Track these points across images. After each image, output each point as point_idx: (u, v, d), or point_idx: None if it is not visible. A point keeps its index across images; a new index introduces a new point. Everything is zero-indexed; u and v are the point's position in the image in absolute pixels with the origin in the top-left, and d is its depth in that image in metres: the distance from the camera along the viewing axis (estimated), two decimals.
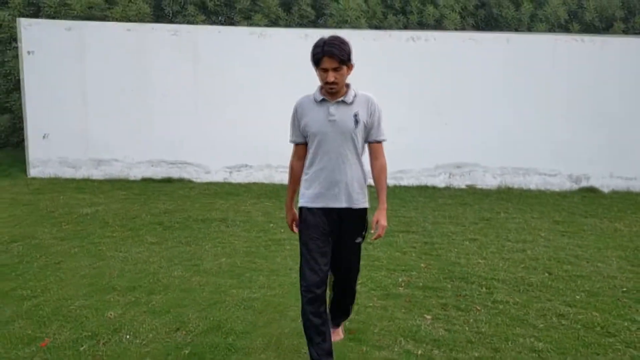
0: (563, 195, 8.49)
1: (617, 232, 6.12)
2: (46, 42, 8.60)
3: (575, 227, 6.29)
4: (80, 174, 8.90)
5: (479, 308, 3.76)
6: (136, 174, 8.92)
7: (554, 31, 9.18)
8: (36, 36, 8.60)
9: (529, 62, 8.60)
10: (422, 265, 4.69)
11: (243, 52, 8.54)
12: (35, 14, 9.42)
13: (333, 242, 2.80)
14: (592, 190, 8.85)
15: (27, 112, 8.77)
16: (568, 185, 8.99)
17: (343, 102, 2.72)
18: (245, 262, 4.68)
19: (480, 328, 3.43)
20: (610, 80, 8.65)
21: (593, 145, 8.80)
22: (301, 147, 2.85)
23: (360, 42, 8.09)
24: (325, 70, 2.62)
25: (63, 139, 8.81)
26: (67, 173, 8.90)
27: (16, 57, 9.28)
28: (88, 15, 9.16)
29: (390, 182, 8.67)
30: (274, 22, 9.33)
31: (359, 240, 2.84)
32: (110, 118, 8.69)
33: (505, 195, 8.35)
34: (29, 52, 8.63)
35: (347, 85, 2.76)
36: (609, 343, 3.27)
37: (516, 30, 9.28)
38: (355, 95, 2.75)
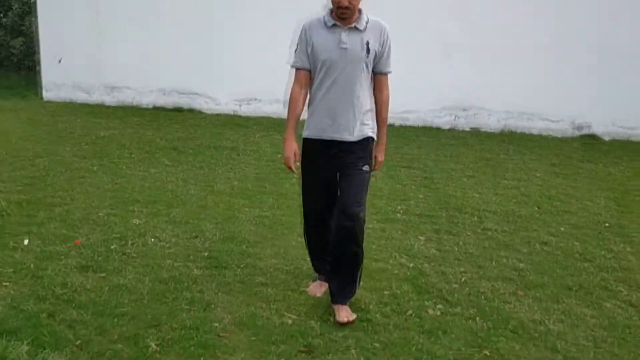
0: (564, 140, 8.72)
1: (610, 176, 6.41)
2: None
3: (571, 170, 6.58)
4: (93, 99, 9.14)
5: (469, 233, 4.11)
6: (148, 102, 9.15)
7: None
8: None
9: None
10: (420, 196, 5.02)
11: None
12: None
13: (340, 174, 2.72)
14: (593, 137, 9.07)
15: (41, 36, 8.91)
16: (570, 132, 9.19)
17: (356, 28, 2.57)
18: (255, 186, 5.01)
19: (468, 249, 3.78)
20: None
21: (596, 93, 8.93)
22: (305, 73, 2.68)
23: None
24: None
25: (76, 63, 8.99)
26: (80, 98, 9.15)
27: None
28: None
29: (396, 122, 8.89)
30: None
31: (365, 167, 2.72)
32: (123, 44, 8.82)
33: (508, 138, 8.59)
34: None
35: (360, 10, 2.60)
36: (584, 267, 3.62)
37: None
38: (367, 22, 2.60)
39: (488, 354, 2.50)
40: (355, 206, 2.67)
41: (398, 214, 4.44)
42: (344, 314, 2.65)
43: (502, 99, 9.01)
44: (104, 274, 3.03)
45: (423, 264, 3.47)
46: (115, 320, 2.57)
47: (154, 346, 2.38)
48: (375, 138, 2.76)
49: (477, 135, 8.72)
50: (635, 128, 9.12)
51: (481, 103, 9.12)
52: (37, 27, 8.81)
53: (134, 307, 2.70)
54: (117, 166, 5.32)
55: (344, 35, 2.56)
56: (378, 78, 2.72)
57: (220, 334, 2.51)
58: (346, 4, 2.46)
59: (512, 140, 8.34)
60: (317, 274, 3.03)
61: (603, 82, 8.85)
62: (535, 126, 9.18)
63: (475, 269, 3.45)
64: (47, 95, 9.09)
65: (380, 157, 2.78)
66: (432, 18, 8.49)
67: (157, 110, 8.89)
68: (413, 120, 9.15)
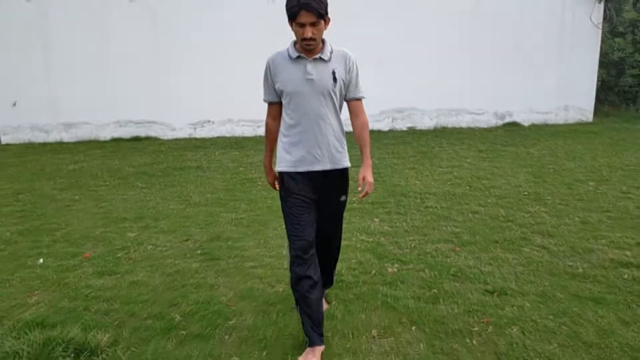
0: (489, 130, 9.80)
1: (529, 155, 7.44)
2: (6, 12, 8.97)
3: (495, 154, 7.57)
4: (51, 137, 9.48)
5: (414, 212, 4.92)
6: (105, 134, 9.58)
7: None
8: None
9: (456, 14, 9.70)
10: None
11: (201, 17, 9.20)
12: None
13: (318, 205, 2.74)
14: (514, 125, 10.21)
15: None
16: (494, 122, 10.30)
17: (320, 59, 2.58)
18: (227, 195, 5.65)
19: (415, 223, 4.58)
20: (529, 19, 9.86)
21: (515, 86, 10.10)
22: (275, 107, 2.73)
23: None
24: (302, 26, 2.45)
25: (32, 105, 9.32)
26: (40, 137, 9.47)
27: None
28: None
29: None
30: None
31: (343, 198, 2.78)
32: (76, 82, 9.24)
33: (440, 133, 9.58)
34: None
35: (323, 41, 2.60)
36: (507, 226, 4.49)
37: None
38: (332, 52, 2.61)
39: (436, 291, 3.27)
40: (337, 244, 3.00)
41: (354, 204, 5.20)
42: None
43: (433, 99, 10.04)
44: (118, 275, 3.62)
45: (380, 238, 4.23)
46: (140, 305, 3.18)
47: (178, 317, 3.01)
48: (349, 165, 2.76)
49: (413, 133, 9.67)
50: (549, 112, 10.34)
51: (414, 105, 10.10)
52: None
53: (153, 295, 3.31)
54: (97, 193, 5.83)
55: (310, 67, 2.56)
56: (352, 104, 2.72)
57: (228, 304, 3.17)
58: (310, 34, 2.45)
59: (444, 135, 9.34)
60: (306, 339, 2.67)
61: (518, 77, 10.03)
62: (464, 120, 10.25)
63: (421, 236, 4.25)
64: (4, 138, 9.36)
65: (370, 178, 2.68)
66: (367, 30, 9.39)
67: (117, 141, 9.34)
68: None
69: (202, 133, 9.71)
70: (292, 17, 2.45)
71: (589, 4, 9.95)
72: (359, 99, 2.72)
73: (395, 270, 3.62)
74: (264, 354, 2.65)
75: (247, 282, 3.47)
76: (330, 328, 2.87)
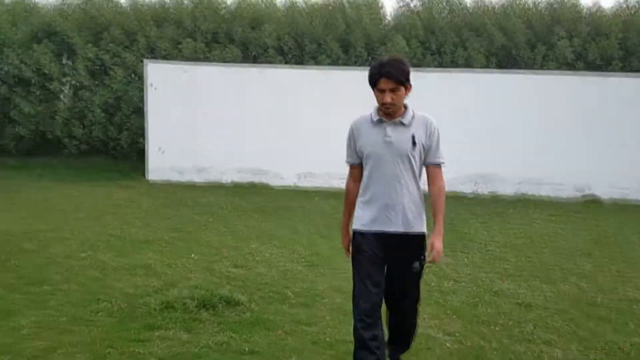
0: (568, 201, 10.52)
1: (595, 224, 8.17)
2: (165, 78, 11.37)
3: (565, 218, 8.38)
4: (185, 178, 11.55)
5: (475, 253, 6.00)
6: (227, 179, 11.50)
7: (562, 69, 11.28)
8: (158, 72, 11.41)
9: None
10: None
11: (312, 88, 11.04)
12: (152, 56, 12.23)
13: (388, 268, 2.76)
14: (594, 200, 10.82)
15: (149, 131, 11.52)
16: (573, 194, 10.99)
17: (401, 122, 2.68)
18: (324, 228, 7.03)
19: (474, 259, 5.67)
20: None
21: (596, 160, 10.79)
22: (357, 169, 2.81)
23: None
24: (382, 91, 2.59)
25: (173, 152, 11.49)
26: (175, 177, 11.57)
27: (136, 88, 12.10)
28: (194, 57, 11.91)
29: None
30: (334, 62, 11.82)
31: (416, 265, 2.70)
32: (211, 136, 11.32)
33: (521, 201, 10.47)
34: (151, 85, 11.42)
35: (405, 106, 2.72)
36: (552, 269, 5.43)
37: (531, 68, 11.44)
38: (413, 117, 2.70)
39: (477, 300, 4.37)
40: (412, 314, 2.91)
41: None
42: None
43: (514, 170, 10.97)
44: (247, 268, 5.09)
45: (442, 266, 5.38)
46: (264, 285, 4.59)
47: (290, 294, 4.38)
48: (425, 232, 2.78)
49: (494, 199, 10.63)
50: (629, 188, 10.86)
51: (497, 172, 11.09)
52: (146, 124, 11.40)
53: (272, 281, 4.72)
54: (225, 219, 7.48)
55: (389, 130, 2.67)
56: (430, 169, 2.75)
57: (323, 292, 4.49)
58: (389, 100, 2.58)
59: (523, 202, 10.21)
60: None
61: (603, 150, 10.72)
62: (543, 189, 11.03)
63: (477, 268, 5.35)
64: (150, 177, 11.56)
65: (438, 246, 2.66)
66: (449, 100, 10.70)
67: (236, 185, 11.19)
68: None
69: (305, 183, 11.31)
70: (373, 83, 2.63)
71: None
72: (438, 165, 2.76)
73: (450, 285, 4.77)
74: (345, 318, 3.94)
75: (337, 281, 4.78)
76: None
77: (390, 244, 2.70)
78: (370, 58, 11.97)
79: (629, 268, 5.59)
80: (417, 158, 2.69)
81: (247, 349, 3.33)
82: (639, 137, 10.70)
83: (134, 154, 12.91)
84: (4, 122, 12.88)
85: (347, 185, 2.89)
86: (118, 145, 12.73)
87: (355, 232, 2.78)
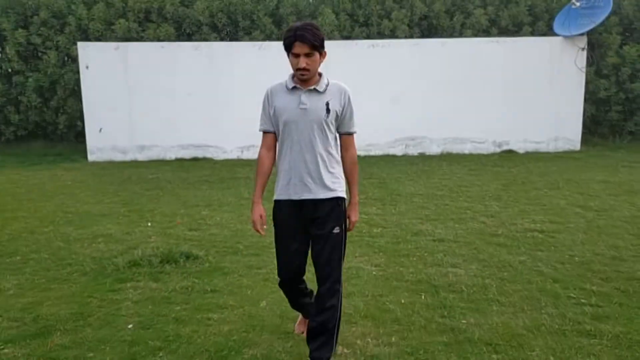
0: (487, 156, 11.62)
1: (509, 173, 9.24)
2: (99, 60, 11.48)
3: (482, 171, 9.41)
4: (128, 157, 11.81)
5: (401, 204, 6.84)
6: (171, 155, 11.86)
7: (479, 35, 12.26)
8: (91, 55, 11.49)
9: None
10: (375, 190, 7.76)
11: (247, 61, 11.49)
12: (85, 38, 12.23)
13: (311, 234, 2.75)
14: (510, 152, 11.99)
15: (85, 112, 11.64)
16: (492, 149, 12.12)
17: (315, 90, 2.68)
18: (268, 194, 7.67)
19: (399, 209, 6.51)
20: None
21: (513, 119, 11.94)
22: (270, 136, 2.79)
23: (335, 50, 11.14)
24: (297, 56, 2.59)
25: (113, 131, 11.70)
26: (118, 157, 11.81)
27: (71, 71, 12.11)
28: (127, 37, 12.03)
29: (361, 153, 11.70)
30: (268, 37, 12.27)
31: (336, 230, 2.71)
32: (150, 114, 11.60)
33: (445, 157, 11.47)
34: (86, 67, 11.51)
35: (320, 74, 2.73)
36: (465, 212, 6.34)
37: (450, 36, 12.35)
38: (327, 85, 2.72)
39: (401, 240, 5.18)
40: (336, 281, 2.74)
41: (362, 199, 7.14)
42: None
43: (440, 131, 11.96)
44: (201, 231, 5.67)
45: (372, 216, 6.17)
46: (218, 242, 5.20)
47: (241, 247, 5.02)
48: (344, 195, 2.77)
49: (422, 157, 11.59)
50: (541, 142, 12.10)
51: (424, 134, 12.05)
52: (83, 106, 11.50)
53: (225, 238, 5.33)
54: (174, 191, 7.97)
55: (304, 97, 2.67)
56: (343, 139, 2.79)
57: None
58: (304, 64, 2.58)
59: (447, 159, 11.22)
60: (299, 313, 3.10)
61: (516, 112, 11.86)
62: (467, 148, 12.11)
63: (401, 216, 6.18)
64: (91, 157, 11.73)
65: (354, 217, 2.78)
66: (385, 73, 11.49)
67: (180, 160, 11.59)
68: (374, 151, 12.01)
69: (248, 155, 11.85)
70: (288, 47, 2.62)
71: (574, 51, 11.78)
72: (351, 134, 2.80)
73: (378, 231, 5.56)
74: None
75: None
76: None
77: (311, 211, 2.71)
78: None
79: (530, 205, 6.60)
80: (332, 125, 2.72)
81: (209, 289, 3.97)
82: (549, 95, 11.93)
83: (72, 137, 12.99)
84: None
85: (260, 153, 2.84)
86: (56, 129, 12.76)
87: (275, 202, 2.82)
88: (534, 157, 11.35)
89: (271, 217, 2.85)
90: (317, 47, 2.61)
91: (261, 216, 2.80)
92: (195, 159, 11.70)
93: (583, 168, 9.58)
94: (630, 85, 12.38)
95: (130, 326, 3.34)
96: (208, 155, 11.84)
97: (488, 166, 10.10)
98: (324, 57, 2.69)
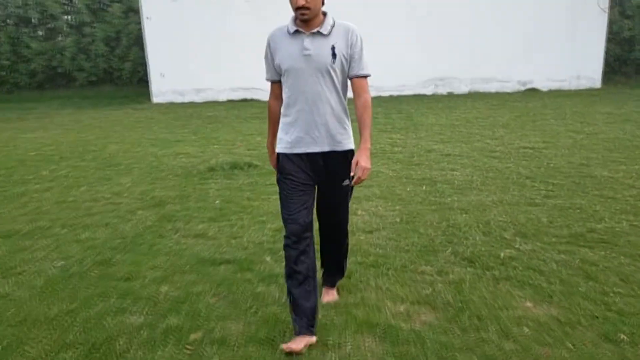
0: (511, 94, 12.57)
1: (525, 107, 10.28)
2: (159, 10, 12.88)
3: (502, 106, 10.48)
4: (186, 99, 13.37)
5: (421, 132, 8.10)
6: (222, 97, 13.35)
7: None
8: (152, 7, 12.90)
9: None
10: (402, 122, 9.02)
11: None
12: None
13: (318, 188, 2.66)
14: (534, 90, 12.87)
15: (149, 59, 13.18)
16: (517, 88, 13.03)
17: (319, 33, 2.49)
18: None
19: (419, 135, 7.78)
20: None
21: (536, 59, 12.77)
22: (277, 85, 2.66)
23: None
24: None
25: (173, 76, 13.23)
26: (178, 99, 13.39)
27: (134, 22, 13.60)
28: None
29: (394, 93, 12.88)
30: None
31: (346, 183, 2.59)
32: (204, 60, 13.04)
33: (472, 96, 12.50)
34: (147, 18, 12.95)
35: (324, 14, 2.53)
36: (474, 137, 7.56)
37: None
38: (333, 25, 2.52)
39: (410, 165, 6.51)
40: (343, 232, 2.78)
41: (388, 129, 8.44)
42: (328, 297, 2.92)
43: (467, 71, 12.94)
44: (258, 150, 7.14)
45: (395, 141, 7.48)
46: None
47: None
48: (352, 147, 2.65)
49: (450, 96, 12.66)
50: (564, 80, 12.92)
51: (453, 75, 13.06)
52: (146, 54, 13.04)
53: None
54: (230, 125, 9.47)
55: (307, 42, 2.50)
56: (354, 82, 2.60)
57: None
58: (303, 2, 2.39)
59: (474, 97, 12.26)
60: (295, 325, 2.56)
61: (540, 52, 12.67)
62: (493, 87, 13.08)
63: (420, 140, 7.47)
64: (155, 99, 13.35)
65: (364, 163, 2.48)
66: (414, 21, 12.47)
67: (231, 102, 13.08)
68: (406, 91, 13.14)
69: None
70: None
71: None
72: (363, 77, 2.58)
73: (399, 149, 6.88)
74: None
75: None
76: None
77: (318, 163, 2.60)
78: None
79: (532, 131, 7.76)
80: (339, 71, 2.54)
81: (268, 183, 5.42)
82: (572, 35, 12.65)
83: (135, 81, 14.64)
84: (16, 60, 14.38)
85: (269, 103, 2.74)
86: (121, 74, 14.42)
87: (279, 155, 2.65)
88: (555, 94, 12.26)
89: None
90: None
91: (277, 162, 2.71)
92: (244, 100, 13.15)
93: (595, 103, 10.51)
94: None
95: (217, 202, 4.86)
96: (256, 97, 13.26)
97: (509, 102, 11.14)
98: None
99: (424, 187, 5.12)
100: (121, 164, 6.58)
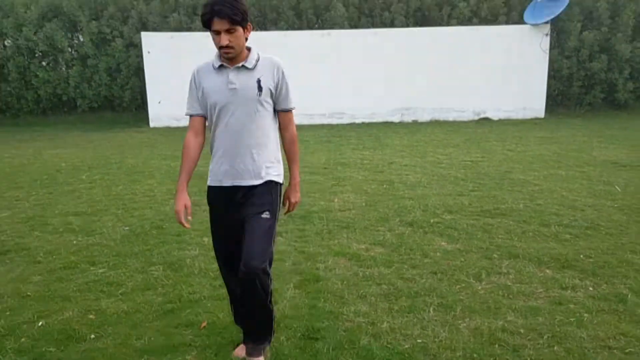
0: (467, 122, 14.49)
1: (475, 133, 12.13)
2: (158, 45, 14.54)
3: (456, 133, 12.32)
4: (181, 123, 14.91)
5: (387, 150, 9.85)
6: None
7: (462, 24, 15.04)
8: (151, 42, 14.55)
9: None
10: (370, 143, 10.75)
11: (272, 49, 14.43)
12: (144, 28, 15.26)
13: (244, 220, 2.59)
14: (486, 119, 14.82)
15: (148, 88, 14.76)
16: (472, 117, 14.98)
17: (244, 67, 2.50)
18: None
19: (385, 152, 9.51)
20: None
21: (489, 92, 14.77)
22: (198, 120, 2.63)
23: (345, 38, 14.08)
24: (218, 33, 2.41)
25: (170, 103, 14.80)
26: (173, 124, 14.94)
27: (134, 55, 15.20)
28: (179, 28, 15.06)
29: (365, 120, 14.68)
30: (291, 27, 15.18)
31: (265, 215, 2.56)
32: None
33: (434, 123, 14.37)
34: (148, 52, 14.58)
35: (249, 49, 2.53)
36: (426, 152, 9.32)
37: (439, 25, 15.17)
38: (257, 60, 2.53)
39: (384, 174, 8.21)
40: (255, 260, 2.51)
41: (359, 147, 10.13)
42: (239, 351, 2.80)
43: (430, 102, 14.86)
44: None
45: (366, 156, 9.17)
46: None
47: None
48: (281, 181, 2.66)
49: (414, 123, 14.53)
50: (512, 111, 14.90)
51: (417, 105, 14.96)
52: (146, 83, 14.60)
53: None
54: None
55: (232, 75, 2.51)
56: (281, 116, 2.64)
57: None
58: (226, 42, 2.40)
59: (434, 124, 14.14)
60: (242, 335, 2.78)
61: (494, 84, 14.66)
62: (451, 115, 15.01)
63: (384, 155, 9.19)
64: (152, 124, 14.87)
65: (294, 198, 2.63)
66: (379, 53, 14.39)
67: None
68: (376, 119, 14.96)
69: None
70: (206, 25, 2.41)
71: (539, 37, 14.50)
72: (289, 111, 2.63)
73: (367, 162, 8.56)
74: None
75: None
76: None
77: (244, 196, 2.59)
78: (319, 21, 15.43)
79: (476, 150, 9.53)
80: (266, 104, 2.56)
81: None
82: (519, 73, 14.72)
83: (133, 108, 16.17)
84: (23, 88, 15.79)
85: (187, 139, 2.65)
86: (122, 102, 15.93)
87: (208, 187, 2.71)
88: (504, 122, 14.22)
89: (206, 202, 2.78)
90: (239, 22, 2.42)
91: (186, 206, 2.61)
92: None
93: (534, 129, 12.46)
94: (589, 64, 15.06)
95: None
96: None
97: (463, 128, 13.02)
98: (249, 31, 2.51)
99: (385, 186, 6.79)
100: (144, 171, 8.10)
